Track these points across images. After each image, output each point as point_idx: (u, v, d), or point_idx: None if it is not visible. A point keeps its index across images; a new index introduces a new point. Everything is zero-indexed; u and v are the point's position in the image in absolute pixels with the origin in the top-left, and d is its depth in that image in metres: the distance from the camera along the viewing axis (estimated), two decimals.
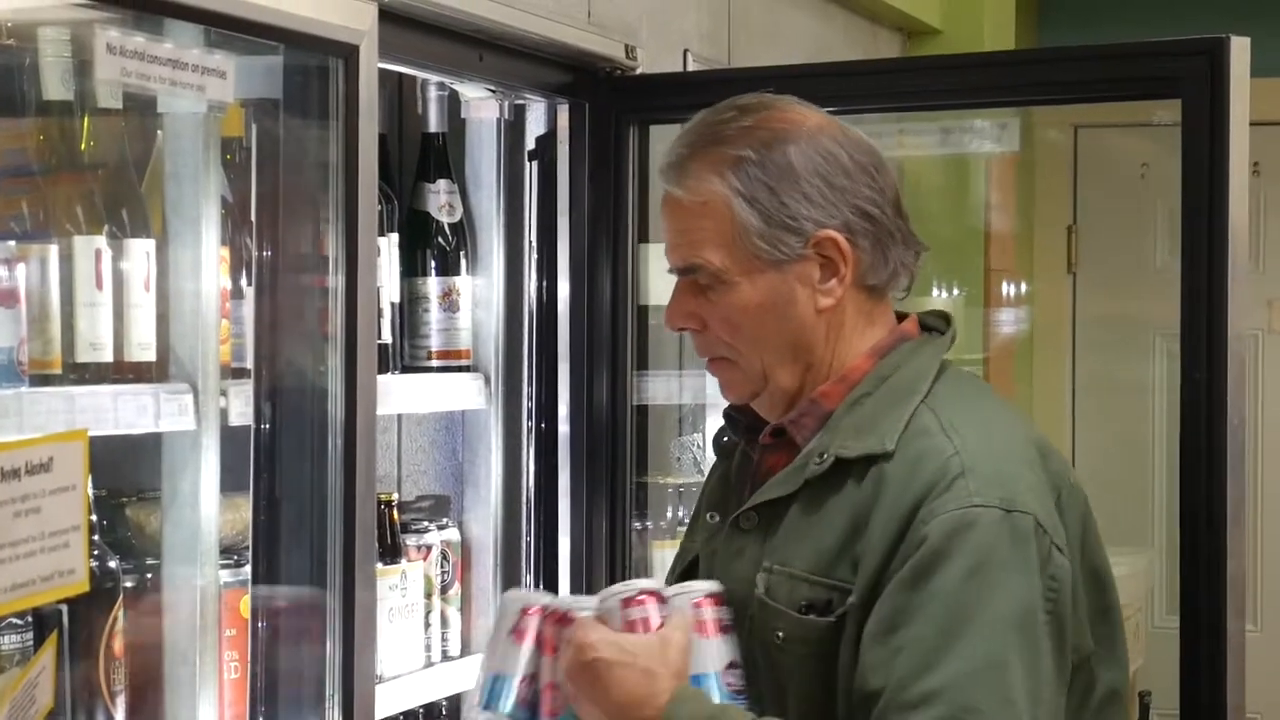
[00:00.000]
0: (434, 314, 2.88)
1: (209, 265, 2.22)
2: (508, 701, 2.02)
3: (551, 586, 3.00)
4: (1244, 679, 2.44)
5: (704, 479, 2.33)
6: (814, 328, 2.06)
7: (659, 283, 3.23)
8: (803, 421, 2.07)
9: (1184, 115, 2.52)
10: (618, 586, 2.04)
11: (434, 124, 2.91)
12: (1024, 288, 5.70)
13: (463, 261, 2.92)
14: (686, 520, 3.29)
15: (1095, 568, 2.05)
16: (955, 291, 4.92)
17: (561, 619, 2.03)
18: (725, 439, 2.23)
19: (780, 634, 1.99)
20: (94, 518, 2.13)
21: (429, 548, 2.87)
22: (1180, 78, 2.53)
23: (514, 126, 3.00)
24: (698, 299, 2.07)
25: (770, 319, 2.05)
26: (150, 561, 2.27)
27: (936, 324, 2.15)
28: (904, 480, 1.95)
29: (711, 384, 3.41)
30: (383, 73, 2.36)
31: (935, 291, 4.75)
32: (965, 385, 2.13)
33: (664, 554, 3.09)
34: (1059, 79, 2.78)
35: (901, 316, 2.14)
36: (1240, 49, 2.49)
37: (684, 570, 2.20)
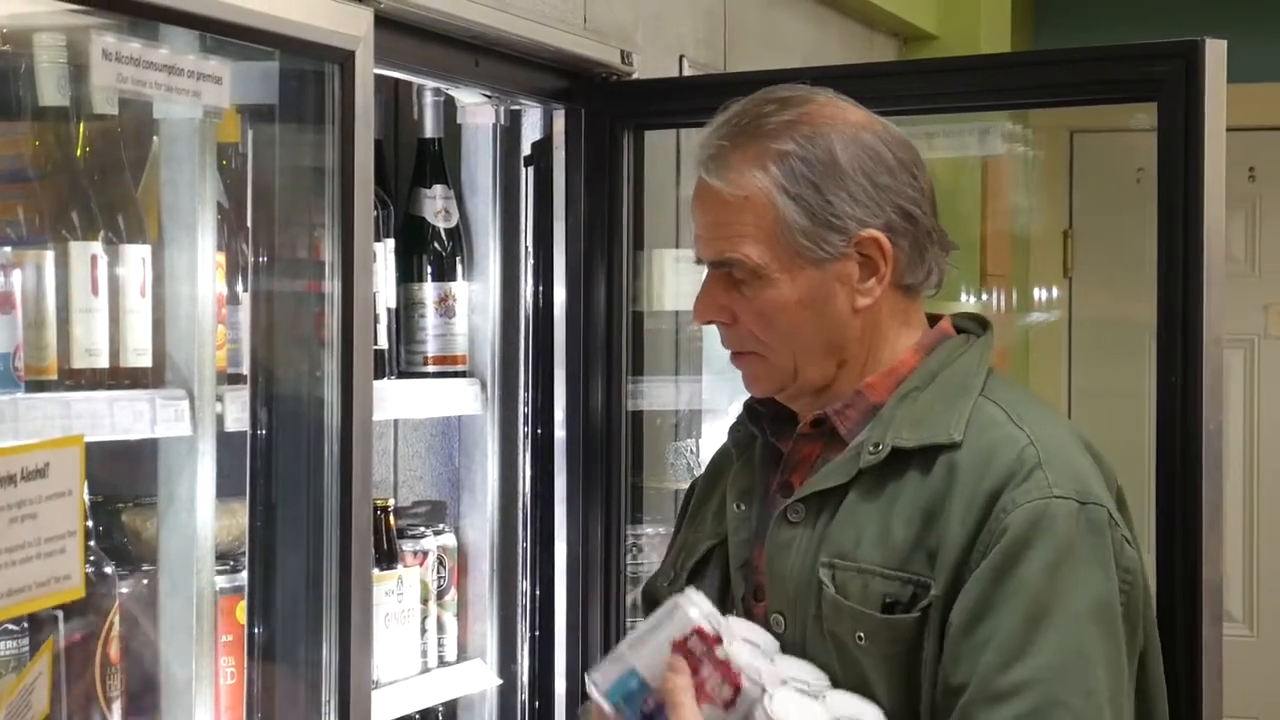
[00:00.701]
0: (430, 319, 2.88)
1: (205, 271, 2.22)
2: (634, 710, 1.91)
3: (548, 592, 3.00)
4: (1221, 686, 2.43)
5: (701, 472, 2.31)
6: (849, 326, 2.05)
7: (664, 288, 3.24)
8: (847, 413, 2.06)
9: (1160, 118, 2.52)
10: (794, 668, 1.98)
11: (430, 129, 2.91)
12: (1020, 292, 5.70)
13: (459, 267, 2.92)
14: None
15: None
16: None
17: (726, 670, 1.91)
18: (741, 430, 2.20)
19: (862, 635, 1.96)
20: (90, 523, 2.13)
21: (425, 553, 2.87)
22: (1156, 81, 2.53)
23: (510, 132, 3.00)
24: (729, 292, 2.05)
25: (807, 316, 2.03)
26: (146, 567, 2.27)
27: (971, 326, 2.15)
28: (979, 469, 1.95)
29: (708, 389, 3.43)
30: (379, 78, 2.36)
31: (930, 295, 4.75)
32: (1016, 384, 2.14)
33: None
34: (1035, 83, 2.78)
35: (933, 319, 2.14)
36: (1216, 52, 2.49)
37: (696, 564, 2.16)
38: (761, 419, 2.16)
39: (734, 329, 2.08)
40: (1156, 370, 2.51)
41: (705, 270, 2.09)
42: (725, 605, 2.08)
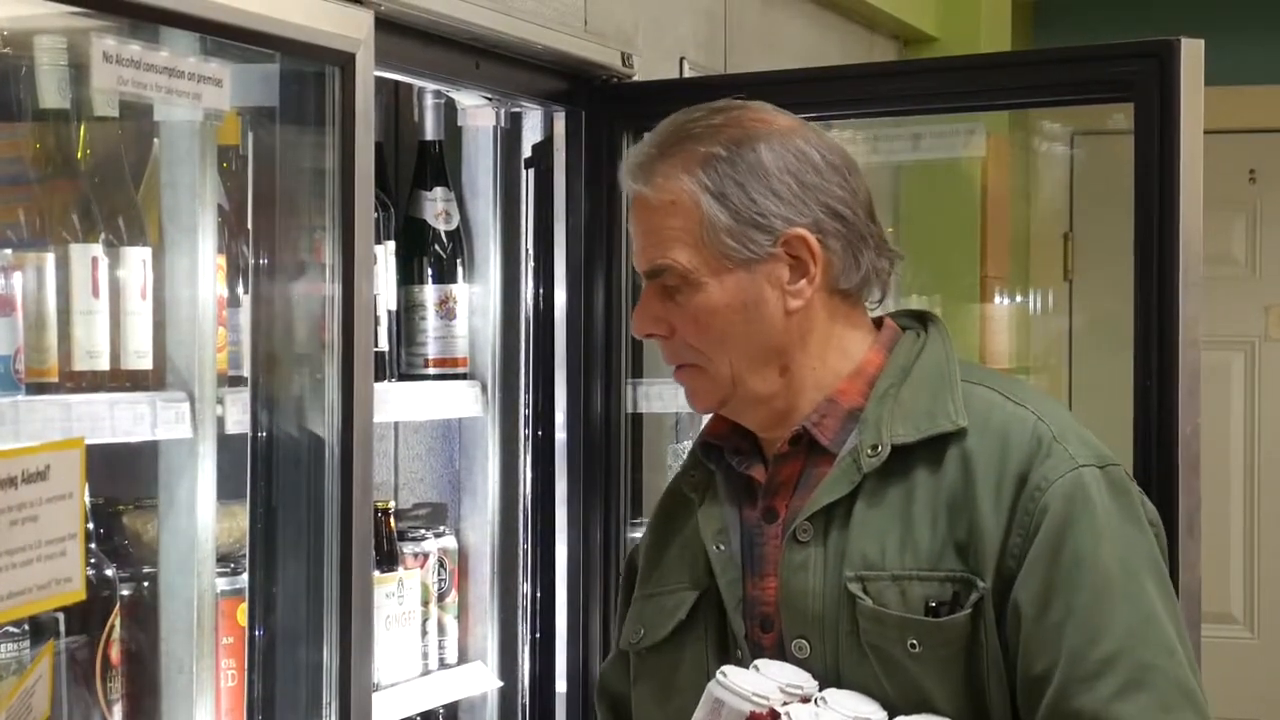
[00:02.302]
0: (431, 322, 2.88)
1: (205, 273, 2.22)
2: None
3: (549, 593, 2.99)
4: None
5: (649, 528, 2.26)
6: (784, 330, 2.02)
7: None
8: (825, 423, 2.03)
9: (1135, 118, 2.52)
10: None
11: (430, 132, 2.91)
12: (1020, 295, 5.70)
13: (459, 269, 2.92)
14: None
15: None
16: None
17: None
18: (696, 473, 2.13)
19: (915, 643, 1.93)
20: (91, 526, 2.13)
21: (426, 555, 2.87)
22: (1132, 81, 2.53)
23: (510, 134, 3.00)
24: (665, 304, 2.03)
25: (739, 320, 2.01)
26: (147, 570, 2.27)
27: (913, 324, 2.12)
28: (997, 453, 1.94)
29: None
30: (379, 80, 2.36)
31: (929, 297, 4.75)
32: (989, 368, 2.14)
33: None
34: (1014, 84, 2.78)
35: (875, 322, 2.12)
36: (1193, 51, 2.48)
37: (684, 621, 2.09)
38: (721, 453, 2.11)
39: (671, 342, 2.05)
40: (1133, 374, 2.51)
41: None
42: (727, 652, 2.04)
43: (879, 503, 1.97)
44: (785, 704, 1.90)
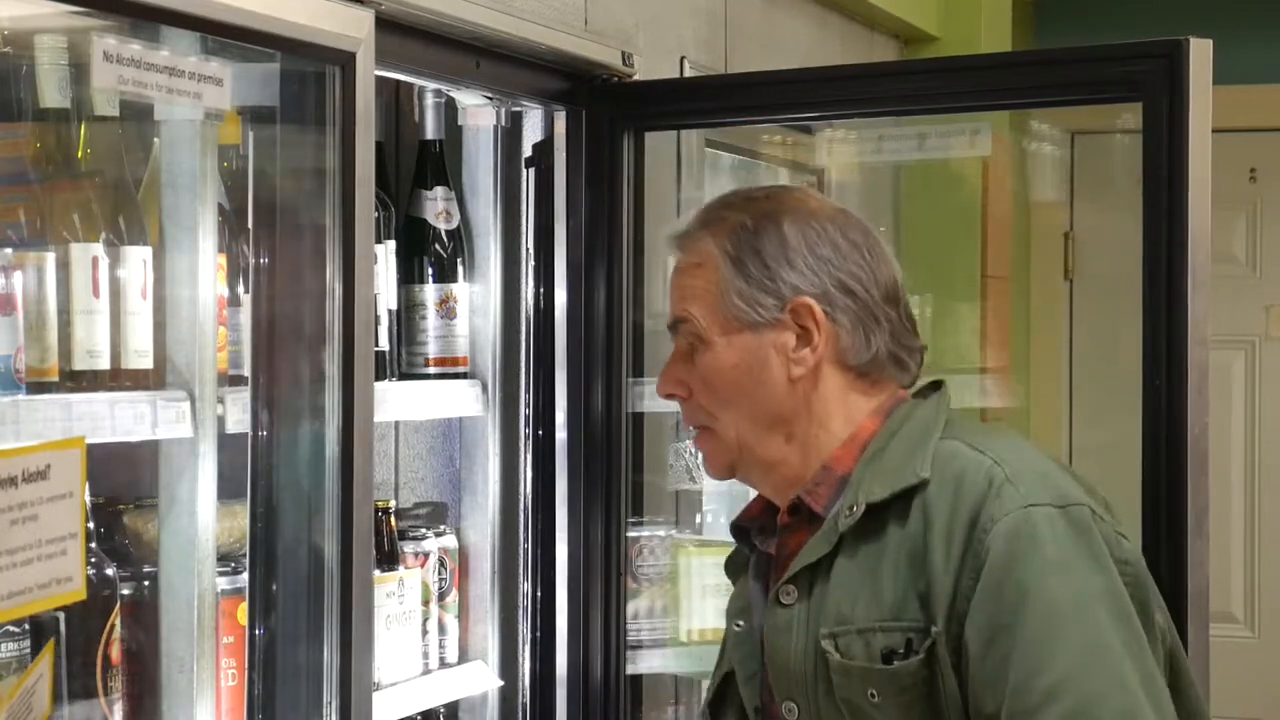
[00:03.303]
0: (431, 321, 2.88)
1: (206, 272, 2.22)
2: None
3: (549, 593, 3.00)
4: (1209, 691, 2.42)
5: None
6: (787, 397, 2.09)
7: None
8: (818, 491, 2.10)
9: (1144, 118, 2.52)
10: None
11: (431, 131, 2.91)
12: (1020, 294, 5.70)
13: (460, 268, 2.92)
14: (685, 524, 3.30)
15: None
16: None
17: None
18: (737, 559, 2.26)
19: (874, 693, 1.97)
20: (91, 525, 2.13)
21: (426, 555, 2.87)
22: (1140, 81, 2.53)
23: (511, 133, 3.00)
24: (685, 366, 2.13)
25: (743, 381, 2.09)
26: (147, 569, 2.27)
27: (923, 390, 2.19)
28: (950, 499, 1.97)
29: None
30: (379, 80, 2.36)
31: (926, 298, 4.75)
32: (979, 424, 2.20)
33: (661, 558, 3.09)
34: (1021, 84, 2.78)
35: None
36: (1201, 51, 2.48)
37: (714, 700, 2.23)
38: (749, 534, 2.21)
39: (690, 403, 2.15)
40: (1142, 372, 2.51)
41: None
42: None
43: (854, 559, 2.02)
44: None
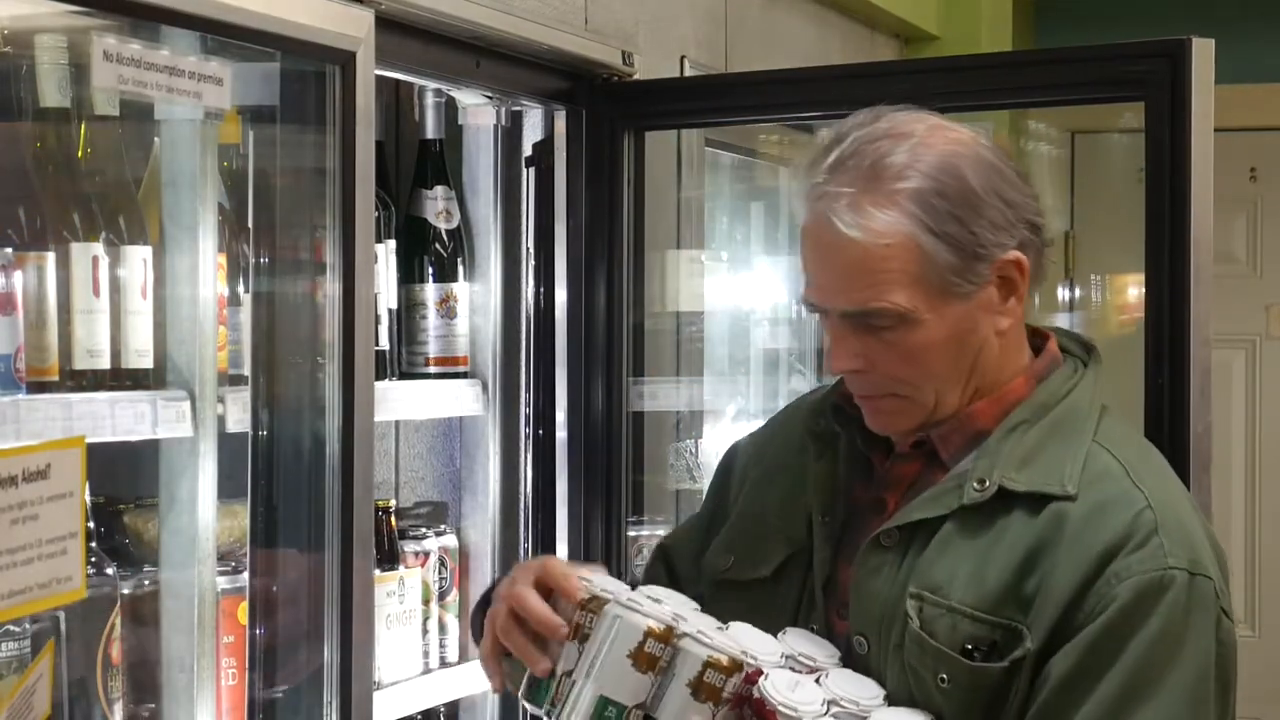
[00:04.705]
0: (431, 320, 2.88)
1: (206, 272, 2.22)
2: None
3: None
4: None
5: (698, 486, 2.28)
6: (990, 350, 1.98)
7: (678, 288, 3.25)
8: (951, 437, 2.00)
9: (1147, 118, 2.52)
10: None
11: (431, 130, 2.91)
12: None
13: (460, 268, 2.92)
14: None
15: None
16: None
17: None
18: (823, 423, 2.10)
19: (944, 678, 1.90)
20: (91, 524, 2.13)
21: (427, 554, 2.86)
22: (1143, 80, 2.53)
23: (511, 133, 3.00)
24: (865, 339, 1.95)
25: (953, 349, 1.96)
26: (148, 568, 2.27)
27: (1075, 349, 2.08)
28: (1090, 525, 1.89)
29: (708, 390, 3.42)
30: (379, 79, 2.36)
31: None
32: (1129, 428, 2.07)
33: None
34: (1024, 83, 2.78)
35: (1033, 331, 2.07)
36: (1203, 51, 2.48)
37: (763, 579, 2.08)
38: (852, 423, 2.07)
39: (869, 375, 1.98)
40: (1145, 371, 2.51)
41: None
42: (801, 619, 2.03)
43: (965, 533, 1.93)
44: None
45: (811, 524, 2.06)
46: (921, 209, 1.91)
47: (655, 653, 1.86)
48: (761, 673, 1.87)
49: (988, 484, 1.93)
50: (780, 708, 1.83)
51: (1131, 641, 1.85)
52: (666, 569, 2.27)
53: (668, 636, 1.86)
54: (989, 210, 1.93)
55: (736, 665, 1.86)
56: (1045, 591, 1.88)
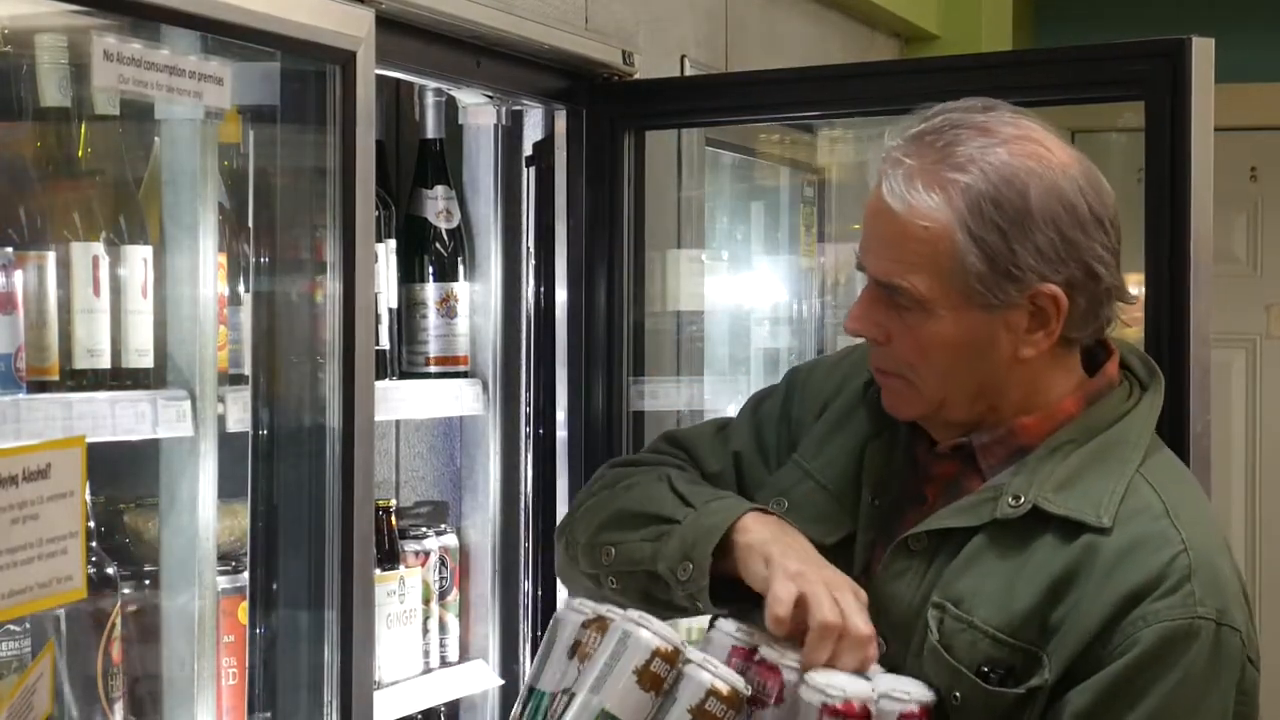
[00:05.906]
0: (432, 320, 2.88)
1: (207, 271, 2.22)
2: None
3: (550, 592, 2.99)
4: None
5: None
6: (1007, 373, 1.96)
7: (678, 288, 3.24)
8: (994, 449, 1.98)
9: (1146, 117, 2.52)
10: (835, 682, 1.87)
11: (431, 130, 2.91)
12: None
13: (460, 267, 2.92)
14: None
15: None
16: None
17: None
18: (873, 389, 2.09)
19: (958, 695, 1.88)
20: (92, 524, 2.13)
21: (427, 554, 2.87)
22: (1142, 80, 2.53)
23: (511, 132, 3.00)
24: (888, 312, 1.95)
25: (965, 356, 1.94)
26: (148, 568, 2.27)
27: (1139, 370, 2.06)
28: (1122, 561, 1.86)
29: (709, 390, 3.42)
30: (380, 79, 2.36)
31: None
32: (1178, 464, 2.04)
33: None
34: (1025, 82, 2.77)
35: (1098, 346, 2.05)
36: (1203, 50, 2.48)
37: (843, 539, 2.04)
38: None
39: (886, 349, 1.98)
40: None
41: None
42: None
43: (995, 549, 1.92)
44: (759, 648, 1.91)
45: (861, 504, 2.05)
46: (968, 207, 1.89)
47: (660, 673, 1.86)
48: (752, 651, 1.89)
49: (1023, 500, 1.91)
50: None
51: (1153, 688, 1.83)
52: (691, 460, 2.23)
53: (674, 658, 1.87)
54: (1039, 237, 1.90)
55: (738, 696, 1.86)
56: (1070, 623, 1.86)
